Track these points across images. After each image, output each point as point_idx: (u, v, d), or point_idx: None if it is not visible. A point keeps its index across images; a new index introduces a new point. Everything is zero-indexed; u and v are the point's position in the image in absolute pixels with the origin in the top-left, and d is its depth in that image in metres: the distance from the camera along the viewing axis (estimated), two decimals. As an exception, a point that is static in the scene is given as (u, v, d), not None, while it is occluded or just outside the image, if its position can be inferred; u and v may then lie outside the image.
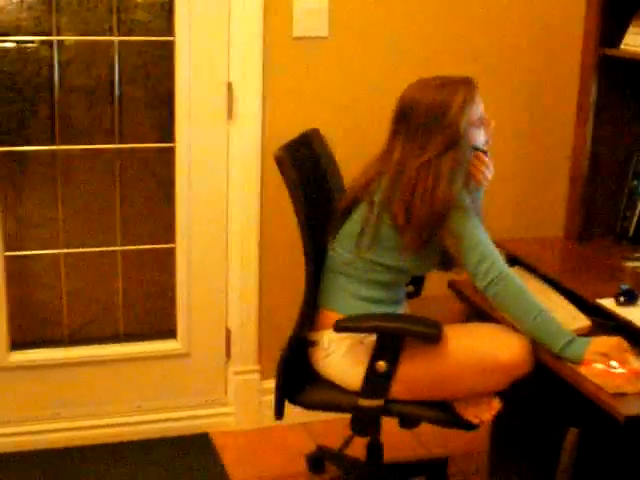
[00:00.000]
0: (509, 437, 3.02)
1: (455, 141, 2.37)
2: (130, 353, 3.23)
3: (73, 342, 3.22)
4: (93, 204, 3.18)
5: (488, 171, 2.47)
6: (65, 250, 3.15)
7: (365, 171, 2.49)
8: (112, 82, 3.08)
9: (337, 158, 2.81)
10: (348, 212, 2.49)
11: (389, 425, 2.70)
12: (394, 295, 2.53)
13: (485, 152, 2.46)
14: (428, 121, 2.37)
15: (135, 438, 3.23)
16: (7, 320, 3.10)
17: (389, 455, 2.80)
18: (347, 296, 2.48)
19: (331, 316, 2.46)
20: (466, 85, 2.41)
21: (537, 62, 3.35)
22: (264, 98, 3.08)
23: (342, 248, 2.49)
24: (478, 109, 2.42)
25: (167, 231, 3.20)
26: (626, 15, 2.80)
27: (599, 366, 2.23)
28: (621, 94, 2.90)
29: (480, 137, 2.45)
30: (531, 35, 3.31)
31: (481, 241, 2.36)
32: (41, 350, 3.18)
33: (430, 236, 2.37)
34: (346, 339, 2.45)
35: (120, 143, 3.11)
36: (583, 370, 2.23)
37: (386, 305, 2.50)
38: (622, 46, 2.80)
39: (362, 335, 2.45)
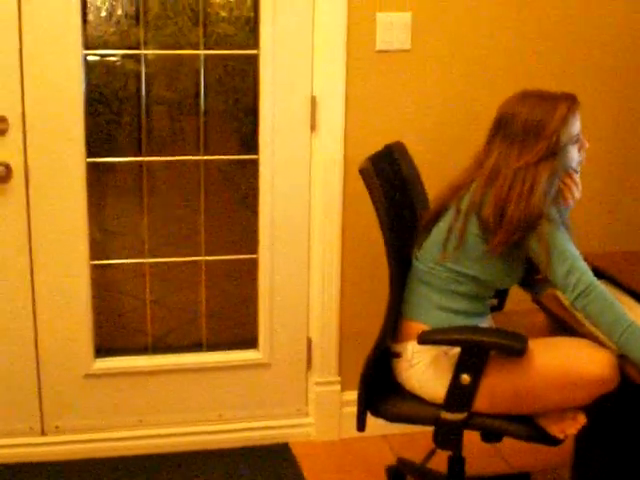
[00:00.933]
0: (592, 453, 2.98)
1: (554, 152, 2.38)
2: (212, 362, 3.27)
3: (156, 350, 3.27)
4: (178, 214, 3.24)
5: (577, 191, 2.47)
6: (150, 259, 3.20)
7: (455, 179, 2.50)
8: (197, 95, 3.13)
9: (420, 171, 2.81)
10: (435, 220, 2.50)
11: (471, 438, 2.68)
12: (478, 307, 2.52)
13: (577, 172, 2.46)
14: (528, 129, 2.38)
15: (216, 447, 3.26)
16: (92, 327, 3.16)
17: (471, 469, 2.78)
18: (431, 307, 2.48)
19: (415, 327, 2.46)
20: (569, 99, 2.42)
21: (624, 75, 3.31)
22: (347, 111, 3.10)
23: (427, 258, 2.50)
24: (577, 126, 2.43)
25: (250, 242, 3.23)
26: None
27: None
28: None
29: (575, 155, 2.46)
30: (617, 48, 3.28)
31: (570, 254, 2.35)
32: (125, 358, 3.24)
33: (517, 243, 2.36)
34: (430, 351, 2.45)
35: (205, 155, 3.16)
36: (671, 387, 2.20)
37: (470, 317, 2.49)
38: None
39: (446, 347, 2.44)
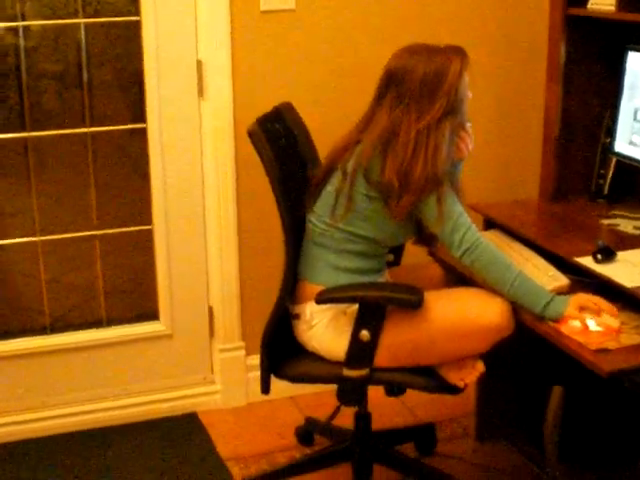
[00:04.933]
0: (494, 399, 3.05)
1: (453, 109, 2.36)
2: (114, 337, 3.23)
3: (56, 330, 3.20)
4: (68, 189, 3.17)
5: (471, 143, 2.48)
6: (42, 237, 3.13)
7: (341, 139, 2.48)
8: (80, 65, 3.06)
9: (310, 130, 2.80)
10: (324, 182, 2.48)
11: (376, 394, 2.71)
12: (374, 265, 2.53)
13: (469, 124, 2.48)
14: (425, 87, 2.34)
15: (123, 422, 3.22)
16: (-13, 311, 3.09)
17: (377, 424, 2.82)
18: (326, 267, 2.48)
19: (312, 288, 2.46)
20: (460, 53, 2.39)
21: (507, 25, 3.34)
22: (234, 74, 3.07)
23: (318, 219, 2.48)
24: (467, 79, 2.42)
25: (144, 213, 3.19)
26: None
27: (577, 324, 2.25)
28: (590, 52, 2.91)
29: (466, 108, 2.45)
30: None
31: (454, 211, 2.36)
32: (24, 339, 3.16)
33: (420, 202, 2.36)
34: (328, 310, 2.45)
35: (92, 126, 3.09)
36: (563, 329, 2.25)
37: (366, 275, 2.50)
38: (589, 5, 2.80)
39: (344, 305, 2.45)
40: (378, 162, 2.36)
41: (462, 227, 2.35)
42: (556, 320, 2.29)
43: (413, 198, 2.34)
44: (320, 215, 2.48)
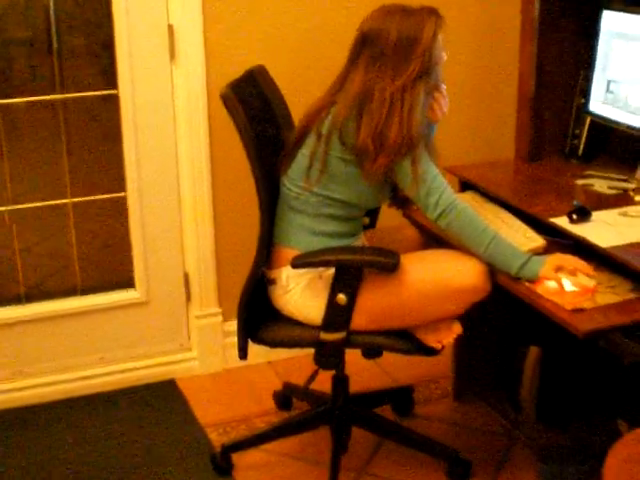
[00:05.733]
0: (472, 360, 3.07)
1: (427, 70, 2.35)
2: (89, 306, 3.21)
3: (30, 299, 3.18)
4: (40, 157, 3.14)
5: (445, 105, 2.47)
6: (14, 206, 3.09)
7: (316, 101, 2.45)
8: (49, 31, 3.01)
9: (283, 93, 2.77)
10: (298, 145, 2.46)
11: (353, 357, 2.72)
12: (350, 228, 2.52)
13: (444, 85, 2.46)
14: (399, 49, 2.32)
15: (101, 390, 3.21)
16: (-39, 281, 3.06)
17: (355, 387, 2.82)
18: (302, 232, 2.47)
19: (288, 253, 2.45)
20: (434, 14, 2.37)
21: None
22: (206, 37, 3.03)
23: (293, 183, 2.47)
24: (441, 41, 2.39)
25: (117, 180, 3.16)
26: None
27: (552, 284, 2.26)
28: (565, 11, 2.89)
29: (441, 70, 2.43)
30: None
31: (429, 173, 2.35)
32: (-2, 309, 3.15)
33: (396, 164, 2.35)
34: (305, 275, 2.45)
35: (63, 93, 3.05)
36: (539, 289, 2.26)
37: (342, 238, 2.49)
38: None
39: (320, 269, 2.44)
40: (353, 124, 2.35)
41: (437, 190, 2.34)
42: (532, 281, 2.29)
43: (388, 160, 2.33)
44: (294, 179, 2.46)
